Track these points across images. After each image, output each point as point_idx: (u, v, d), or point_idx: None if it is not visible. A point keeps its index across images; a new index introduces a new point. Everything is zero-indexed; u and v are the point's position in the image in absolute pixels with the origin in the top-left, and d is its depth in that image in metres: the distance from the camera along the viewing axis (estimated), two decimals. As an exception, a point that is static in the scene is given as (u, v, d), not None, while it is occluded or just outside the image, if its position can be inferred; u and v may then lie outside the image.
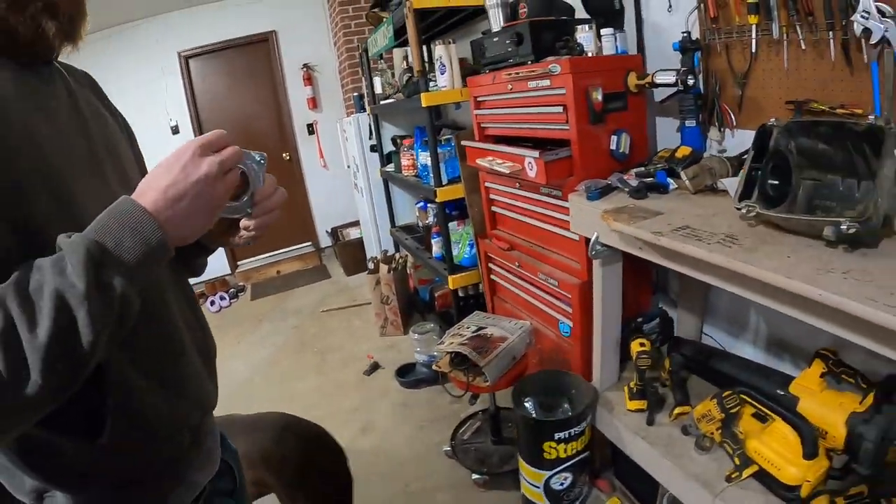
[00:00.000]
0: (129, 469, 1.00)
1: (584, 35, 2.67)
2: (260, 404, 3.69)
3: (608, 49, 2.67)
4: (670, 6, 2.59)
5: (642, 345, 2.38)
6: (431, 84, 3.98)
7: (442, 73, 3.82)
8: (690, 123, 2.50)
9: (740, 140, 2.43)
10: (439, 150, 3.87)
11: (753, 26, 2.19)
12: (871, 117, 1.56)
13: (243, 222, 1.10)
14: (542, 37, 2.70)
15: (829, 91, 2.04)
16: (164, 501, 1.09)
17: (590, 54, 2.65)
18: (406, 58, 4.63)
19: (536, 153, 2.53)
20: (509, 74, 2.83)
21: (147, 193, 0.84)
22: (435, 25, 4.45)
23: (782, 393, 1.95)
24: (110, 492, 1.00)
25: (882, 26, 1.75)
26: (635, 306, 2.80)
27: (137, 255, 0.79)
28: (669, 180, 2.27)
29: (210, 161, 0.87)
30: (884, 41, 1.78)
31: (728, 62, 2.38)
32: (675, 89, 2.42)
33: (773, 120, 1.77)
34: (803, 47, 2.06)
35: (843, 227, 1.41)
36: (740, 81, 2.34)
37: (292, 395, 4.56)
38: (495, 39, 2.96)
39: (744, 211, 1.68)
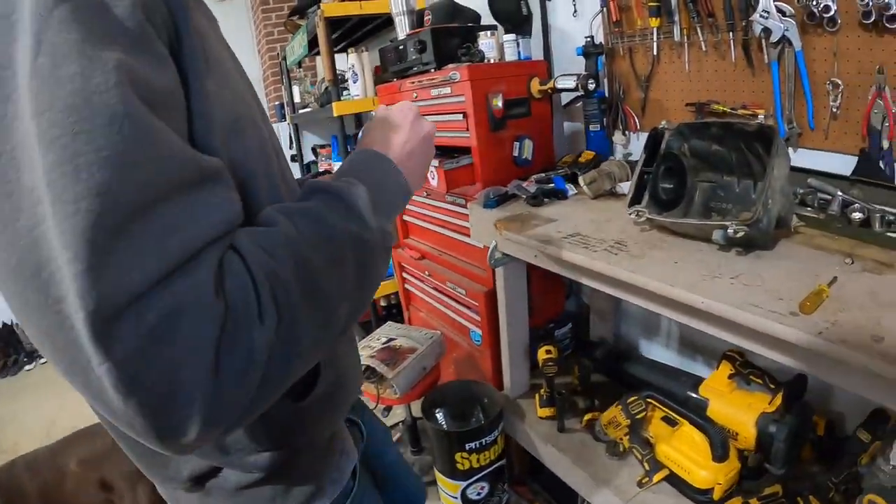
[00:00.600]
0: (321, 431, 0.96)
1: (486, 42, 2.57)
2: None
3: (510, 55, 2.58)
4: (575, 11, 2.51)
5: (548, 352, 2.27)
6: (346, 93, 3.86)
7: (355, 82, 3.70)
8: (595, 128, 2.42)
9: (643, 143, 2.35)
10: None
11: (655, 29, 2.12)
12: (761, 117, 1.48)
13: None
14: (443, 44, 2.58)
15: (731, 92, 1.98)
16: (334, 463, 1.02)
17: (491, 61, 2.55)
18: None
19: (436, 162, 2.41)
20: (413, 83, 2.72)
21: (385, 146, 0.89)
22: (351, 33, 4.30)
23: (693, 395, 1.88)
24: (291, 459, 0.92)
25: (782, 25, 1.70)
26: (549, 311, 2.73)
27: (396, 205, 0.86)
28: (569, 186, 2.18)
29: (430, 122, 0.95)
30: (784, 40, 1.73)
31: (631, 66, 2.31)
32: (577, 94, 2.33)
33: (663, 123, 1.69)
34: (704, 49, 2.01)
35: (730, 230, 1.32)
36: (643, 85, 2.27)
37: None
38: (400, 48, 2.85)
39: (633, 216, 1.59)
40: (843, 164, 1.69)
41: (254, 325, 0.57)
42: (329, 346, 0.73)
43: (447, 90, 2.45)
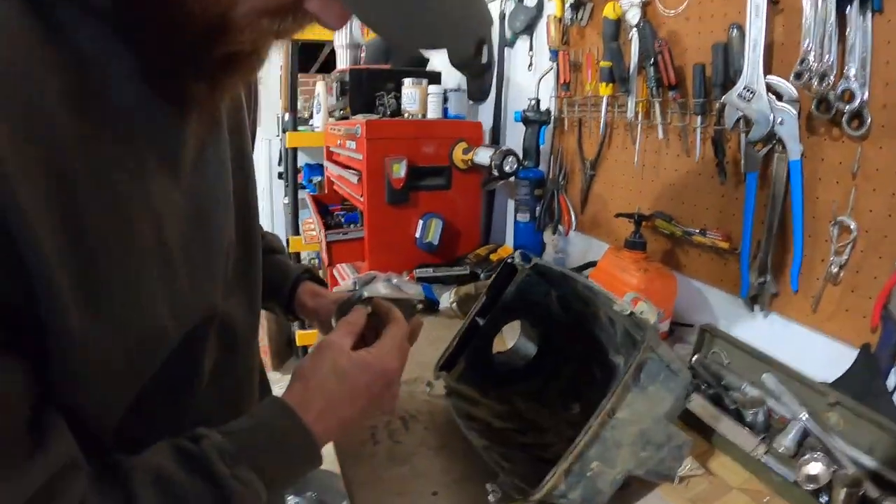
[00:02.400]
0: None
1: (408, 91, 1.88)
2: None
3: (433, 112, 1.87)
4: (531, 64, 1.80)
5: None
6: (313, 121, 3.23)
7: (317, 112, 3.06)
8: (523, 218, 1.69)
9: (581, 248, 1.65)
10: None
11: (605, 99, 1.40)
12: (624, 303, 0.73)
13: None
14: (364, 88, 1.97)
15: (689, 205, 1.27)
16: None
17: (413, 116, 1.86)
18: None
19: (323, 230, 1.78)
20: (334, 129, 2.11)
21: (323, 420, 0.64)
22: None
23: None
24: None
25: (770, 116, 0.98)
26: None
27: (287, 482, 0.63)
28: (444, 296, 1.45)
29: (393, 398, 0.75)
30: (773, 140, 1.01)
31: (578, 143, 1.58)
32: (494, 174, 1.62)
33: (516, 255, 0.95)
34: (663, 136, 1.28)
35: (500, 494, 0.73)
36: (588, 173, 1.54)
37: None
38: (335, 86, 2.21)
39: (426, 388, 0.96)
40: (831, 359, 0.97)
41: None
42: None
43: (353, 144, 1.81)
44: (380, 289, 0.85)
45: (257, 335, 0.77)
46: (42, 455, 0.44)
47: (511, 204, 1.92)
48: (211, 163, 0.63)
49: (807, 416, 0.80)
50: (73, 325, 0.45)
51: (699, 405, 0.91)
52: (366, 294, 0.82)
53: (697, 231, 1.20)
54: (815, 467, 0.74)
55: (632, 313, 0.75)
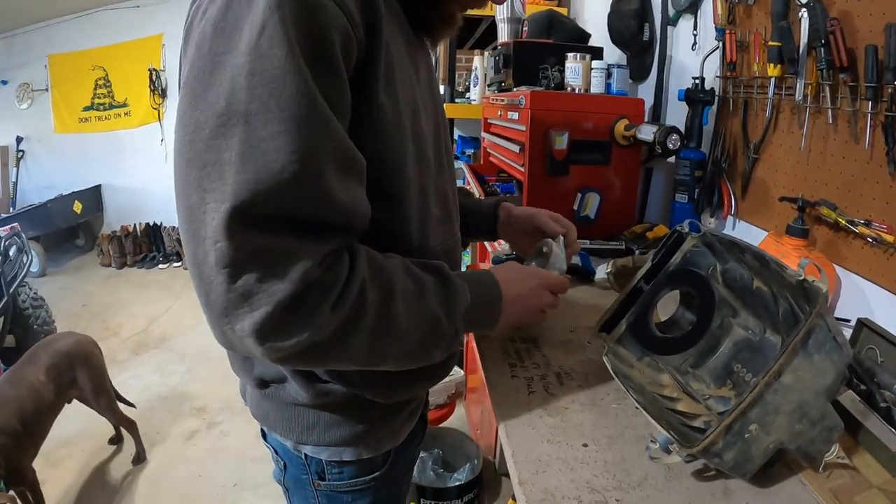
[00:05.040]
0: (401, 391, 0.97)
1: (571, 66, 1.95)
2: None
3: (596, 87, 1.94)
4: (695, 43, 1.84)
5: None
6: (469, 94, 3.41)
7: (475, 86, 3.21)
8: (682, 198, 1.75)
9: (738, 234, 1.65)
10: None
11: (773, 80, 1.43)
12: (799, 269, 0.78)
13: None
14: (527, 61, 2.06)
15: (855, 195, 1.26)
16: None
17: (576, 90, 1.94)
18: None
19: (481, 193, 2.01)
20: (495, 100, 2.24)
21: (507, 287, 0.95)
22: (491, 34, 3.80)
23: None
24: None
25: None
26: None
27: (478, 325, 0.93)
28: (600, 267, 1.54)
29: (550, 298, 1.02)
30: None
31: (742, 126, 1.61)
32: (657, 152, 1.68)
33: (685, 224, 1.04)
34: (832, 121, 1.29)
35: (657, 445, 0.76)
36: (751, 156, 1.57)
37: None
38: (496, 59, 2.32)
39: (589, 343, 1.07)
40: None
41: (327, 304, 0.67)
42: (358, 369, 0.83)
43: (516, 115, 1.92)
44: (553, 246, 1.12)
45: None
46: (340, 228, 0.71)
47: (668, 184, 1.98)
48: (433, 82, 1.01)
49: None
50: (382, 99, 0.76)
51: (848, 398, 0.90)
52: (545, 249, 1.13)
53: (862, 222, 1.19)
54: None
55: (804, 279, 0.78)
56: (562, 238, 1.15)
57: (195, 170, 0.63)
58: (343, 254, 0.70)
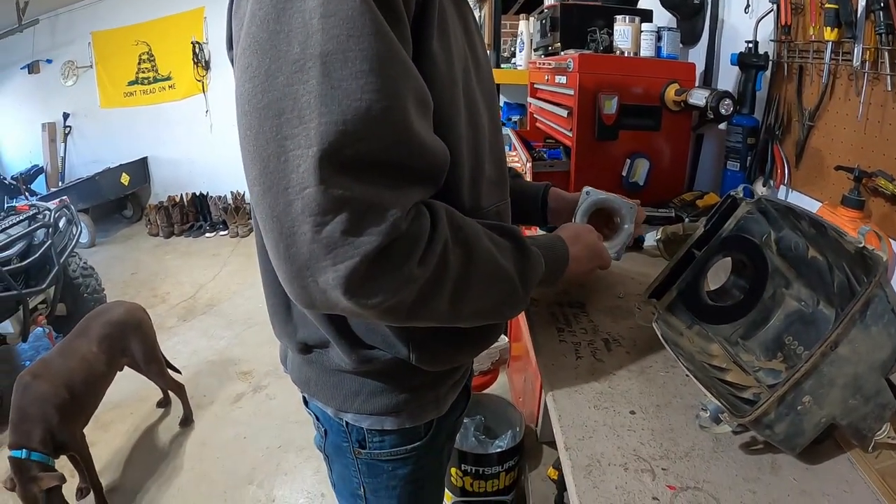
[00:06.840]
0: (447, 359, 0.98)
1: (621, 28, 1.94)
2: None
3: (646, 50, 1.93)
4: (748, 6, 1.82)
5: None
6: (515, 60, 3.38)
7: (520, 51, 3.20)
8: (733, 166, 1.75)
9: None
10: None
11: (829, 45, 1.42)
12: (859, 236, 0.78)
13: None
14: (574, 24, 2.06)
15: None
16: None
17: (625, 54, 1.93)
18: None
19: (528, 159, 1.96)
20: (541, 64, 2.22)
21: (575, 250, 1.03)
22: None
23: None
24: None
25: None
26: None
27: (545, 282, 0.96)
28: (649, 234, 1.56)
29: (606, 258, 1.12)
30: None
31: (797, 91, 1.59)
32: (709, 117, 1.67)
33: (740, 189, 1.05)
34: (888, 88, 1.28)
35: (707, 414, 0.77)
36: (806, 124, 1.56)
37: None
38: (543, 22, 2.32)
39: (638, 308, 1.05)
40: None
41: (413, 260, 0.66)
42: (436, 326, 0.81)
43: (563, 79, 1.93)
44: (601, 195, 1.21)
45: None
46: (424, 177, 0.72)
47: (719, 152, 1.97)
48: (481, 40, 1.01)
49: None
50: (436, 49, 0.76)
51: (897, 379, 0.88)
52: (598, 197, 1.21)
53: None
54: None
55: (864, 247, 0.76)
56: (634, 207, 1.21)
57: (270, 118, 0.62)
58: (423, 208, 0.70)
